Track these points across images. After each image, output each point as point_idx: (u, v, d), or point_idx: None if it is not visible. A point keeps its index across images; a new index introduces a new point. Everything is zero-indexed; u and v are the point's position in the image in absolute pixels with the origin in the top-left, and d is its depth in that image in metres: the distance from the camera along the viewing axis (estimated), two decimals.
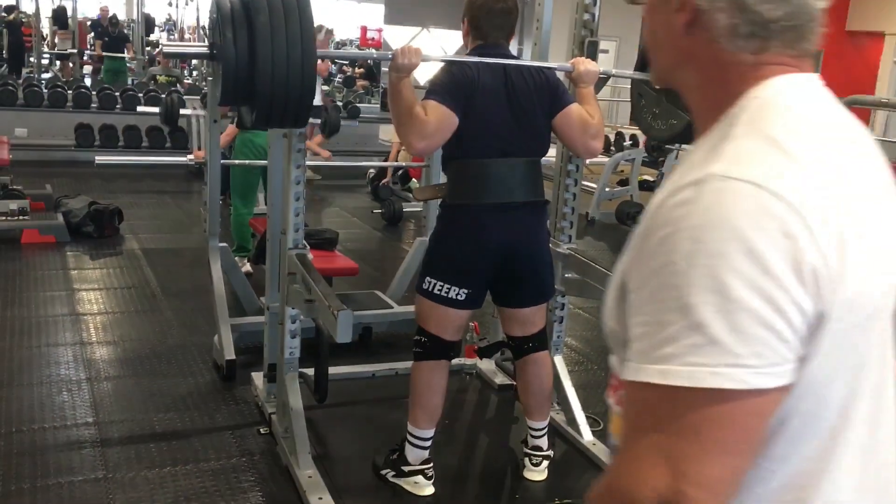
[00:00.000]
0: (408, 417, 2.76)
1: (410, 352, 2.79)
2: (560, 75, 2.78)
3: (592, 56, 3.04)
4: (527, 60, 2.77)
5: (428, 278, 2.67)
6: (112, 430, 3.11)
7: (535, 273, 2.75)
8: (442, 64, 2.63)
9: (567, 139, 2.71)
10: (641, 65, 2.95)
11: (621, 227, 7.56)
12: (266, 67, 2.13)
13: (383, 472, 2.82)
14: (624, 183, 8.53)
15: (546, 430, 2.93)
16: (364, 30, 13.10)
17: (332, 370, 3.51)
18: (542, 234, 2.76)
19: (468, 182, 2.62)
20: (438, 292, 2.65)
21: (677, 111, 2.81)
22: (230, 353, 3.62)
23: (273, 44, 2.13)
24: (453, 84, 2.52)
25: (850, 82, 17.43)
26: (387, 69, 2.56)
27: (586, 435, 3.18)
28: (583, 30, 3.11)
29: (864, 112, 17.28)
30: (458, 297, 2.64)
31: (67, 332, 4.09)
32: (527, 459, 2.92)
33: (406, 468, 2.76)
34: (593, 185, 8.14)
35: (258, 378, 3.40)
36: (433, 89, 2.52)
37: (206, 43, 2.28)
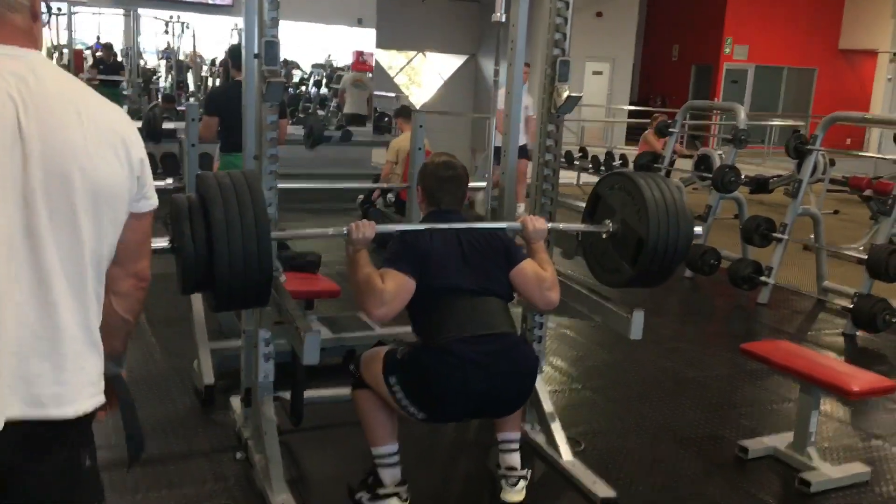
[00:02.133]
0: (368, 442, 2.75)
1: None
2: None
3: (563, 75, 3.05)
4: (477, 223, 2.90)
5: (395, 379, 2.55)
6: None
7: (516, 407, 2.77)
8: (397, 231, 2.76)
9: (524, 293, 2.76)
10: (591, 214, 2.98)
11: None
12: (223, 260, 2.22)
13: (358, 495, 2.79)
14: None
15: (517, 444, 2.91)
16: (357, 54, 13.16)
17: (313, 393, 3.50)
18: (532, 364, 2.68)
19: (442, 320, 2.57)
20: (399, 400, 2.56)
21: (622, 263, 2.83)
22: (209, 378, 3.60)
23: (229, 236, 2.21)
24: (406, 250, 2.61)
25: (845, 99, 17.53)
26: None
27: (566, 455, 3.15)
28: (554, 49, 3.12)
29: (859, 130, 17.33)
30: (417, 415, 2.58)
31: None
32: (503, 481, 2.88)
33: (381, 491, 2.73)
34: (583, 205, 8.12)
35: (236, 402, 3.38)
36: (389, 258, 2.59)
37: (168, 238, 2.36)
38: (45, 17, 11.65)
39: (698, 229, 2.87)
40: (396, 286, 2.52)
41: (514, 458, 2.88)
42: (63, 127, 1.36)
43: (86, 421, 1.46)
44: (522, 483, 2.87)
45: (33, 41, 1.44)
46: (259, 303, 2.47)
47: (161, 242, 2.30)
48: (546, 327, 3.38)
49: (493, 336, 2.57)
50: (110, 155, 1.42)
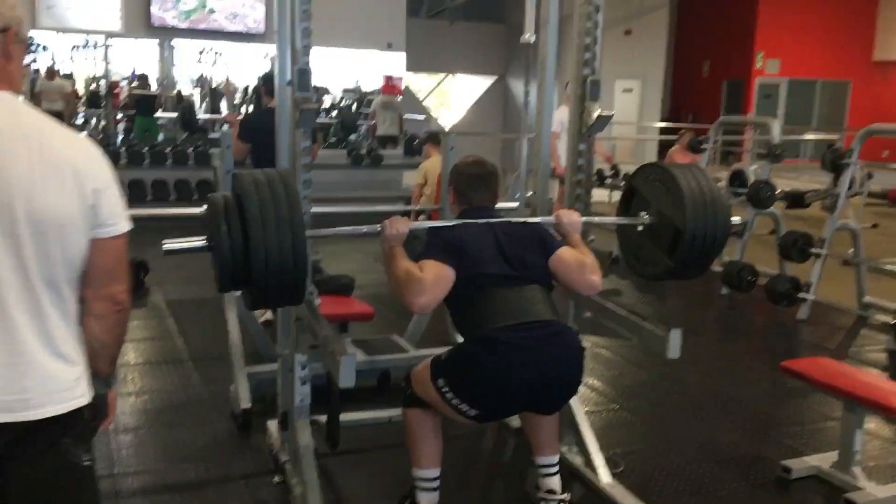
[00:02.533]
0: (411, 461, 2.74)
1: None
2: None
3: (594, 94, 3.05)
4: (511, 218, 2.85)
5: (442, 380, 2.54)
6: (127, 483, 3.11)
7: (568, 398, 2.74)
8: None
9: (565, 278, 2.70)
10: (626, 207, 2.96)
11: None
12: (259, 256, 2.25)
13: None
14: None
15: (557, 467, 2.86)
16: (387, 78, 13.29)
17: (349, 416, 3.50)
18: (579, 354, 2.60)
19: (484, 311, 2.52)
20: (450, 400, 2.53)
21: (660, 254, 2.80)
22: (246, 402, 3.62)
23: (264, 231, 2.25)
24: (442, 242, 2.60)
25: (881, 111, 17.27)
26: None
27: (604, 477, 3.10)
28: (585, 69, 3.12)
29: (895, 142, 17.07)
30: (469, 413, 2.54)
31: None
32: None
33: None
34: None
35: (273, 426, 3.39)
36: (425, 252, 2.58)
37: (204, 237, 2.38)
38: (35, 53, 11.92)
39: (736, 219, 2.82)
40: (435, 275, 2.50)
41: (555, 482, 2.85)
42: (9, 160, 1.51)
43: (70, 422, 1.61)
44: None
45: (6, 80, 1.57)
46: (294, 299, 2.45)
47: (198, 242, 2.36)
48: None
49: (536, 323, 2.50)
50: (55, 186, 1.54)
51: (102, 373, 1.73)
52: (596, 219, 3.01)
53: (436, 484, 2.72)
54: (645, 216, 2.85)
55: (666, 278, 2.84)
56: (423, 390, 2.64)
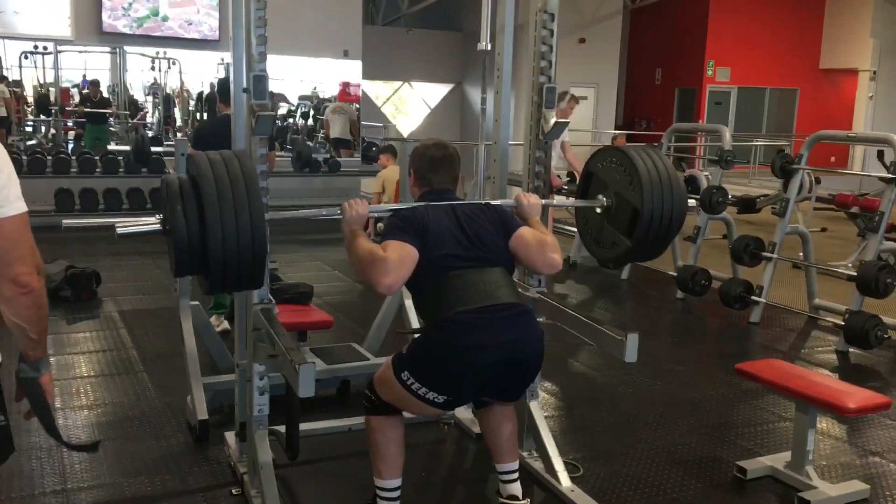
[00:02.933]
0: (373, 471, 2.73)
1: None
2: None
3: (550, 102, 3.09)
4: (471, 201, 2.84)
5: (407, 373, 2.55)
6: (80, 498, 3.04)
7: (529, 379, 2.71)
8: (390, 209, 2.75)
9: (526, 258, 2.71)
10: (584, 191, 3.00)
11: (603, 269, 7.57)
12: (216, 237, 2.21)
13: None
14: None
15: (517, 473, 2.88)
16: (344, 85, 13.25)
17: (309, 426, 3.48)
18: (538, 333, 2.62)
19: (447, 294, 2.53)
20: (416, 390, 2.54)
21: (619, 235, 2.86)
22: (203, 414, 3.56)
23: (222, 213, 2.21)
24: (405, 222, 2.60)
25: (827, 118, 17.71)
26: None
27: (564, 481, 3.13)
28: (541, 76, 3.15)
29: (842, 148, 17.49)
30: (437, 400, 2.55)
31: None
32: None
33: None
34: (574, 229, 8.16)
35: (231, 437, 3.35)
36: (387, 232, 2.58)
37: (158, 218, 2.36)
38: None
39: (692, 201, 2.88)
40: (399, 254, 2.49)
41: (515, 487, 2.86)
42: None
43: None
44: None
45: None
46: (253, 282, 2.41)
47: (152, 224, 2.33)
48: None
49: (499, 306, 2.52)
50: None
51: (28, 357, 1.79)
52: (555, 201, 3.02)
53: (397, 494, 2.72)
54: (603, 199, 2.89)
55: (627, 260, 2.91)
56: (388, 391, 2.63)
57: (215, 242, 2.21)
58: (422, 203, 2.71)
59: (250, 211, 2.24)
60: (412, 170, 2.84)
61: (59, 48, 12.44)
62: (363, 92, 13.83)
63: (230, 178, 2.25)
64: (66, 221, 4.20)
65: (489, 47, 3.33)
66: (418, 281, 2.56)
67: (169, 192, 2.27)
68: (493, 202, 2.83)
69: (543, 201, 2.90)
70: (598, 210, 2.91)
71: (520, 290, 3.25)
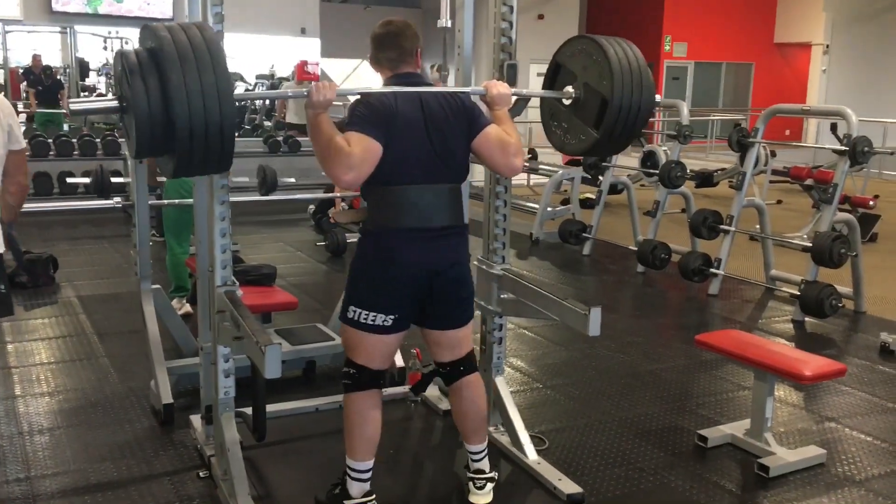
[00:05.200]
0: (346, 451, 2.74)
1: None
2: (476, 99, 2.81)
3: (511, 79, 3.08)
4: (441, 87, 2.79)
5: (352, 307, 2.67)
6: (44, 485, 3.01)
7: (459, 294, 2.76)
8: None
9: (488, 160, 2.73)
10: (550, 83, 3.00)
11: (565, 245, 7.63)
12: (183, 115, 2.09)
13: None
14: (566, 202, 8.61)
15: (486, 451, 2.91)
16: (302, 63, 13.10)
17: (275, 407, 3.48)
18: (463, 256, 2.76)
19: (388, 208, 2.62)
20: (364, 321, 2.65)
21: (586, 128, 2.86)
22: (167, 397, 3.54)
23: (188, 89, 2.09)
24: (373, 114, 2.54)
25: (782, 92, 17.97)
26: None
27: (531, 454, 3.18)
28: (501, 53, 3.15)
29: (797, 121, 17.78)
30: (385, 324, 2.64)
31: None
32: (471, 483, 2.90)
33: (347, 502, 2.73)
34: (536, 206, 8.21)
35: (196, 421, 3.33)
36: (353, 121, 2.53)
37: (114, 96, 2.24)
38: None
39: (658, 97, 2.88)
40: (364, 149, 2.46)
41: (484, 464, 2.91)
42: None
43: None
44: (490, 486, 2.89)
45: None
46: (220, 167, 2.33)
47: (108, 102, 2.23)
48: (505, 328, 3.40)
49: (429, 229, 2.62)
50: None
51: (12, 220, 3.34)
52: (524, 91, 2.94)
53: (368, 476, 2.74)
54: (571, 90, 2.86)
55: (592, 152, 2.87)
56: (351, 346, 2.72)
57: (180, 107, 2.09)
58: (390, 88, 2.63)
59: (215, 73, 2.12)
60: (370, 57, 2.79)
61: (7, 28, 12.11)
62: (322, 70, 13.68)
63: (190, 42, 2.12)
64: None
65: (449, 24, 3.31)
66: (371, 188, 2.61)
67: (126, 63, 2.13)
68: (460, 90, 2.79)
69: (514, 90, 2.84)
70: (567, 102, 2.87)
71: (484, 267, 3.28)
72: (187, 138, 2.13)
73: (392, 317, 2.64)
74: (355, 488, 2.72)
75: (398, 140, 2.55)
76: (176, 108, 2.09)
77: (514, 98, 2.86)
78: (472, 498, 2.89)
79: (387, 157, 2.53)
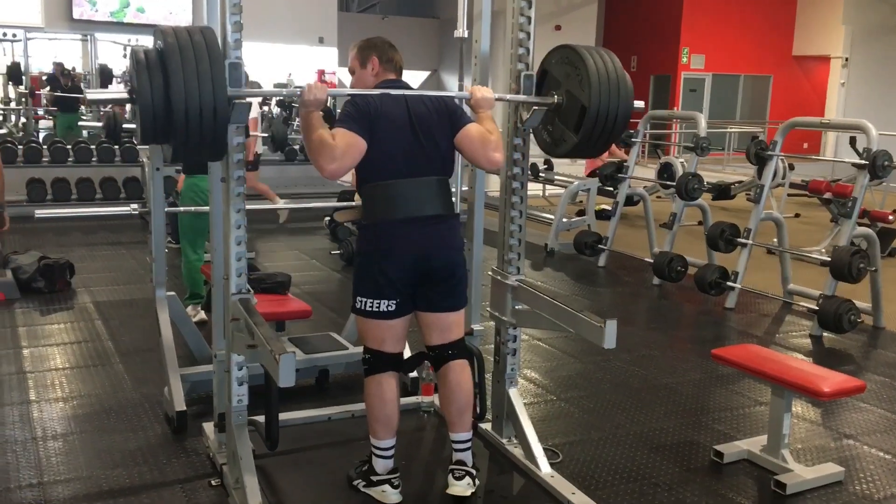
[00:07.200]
0: (368, 431, 2.94)
1: None
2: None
3: (528, 89, 3.08)
4: (426, 91, 2.97)
5: (358, 297, 2.87)
6: (57, 491, 3.01)
7: (451, 277, 2.91)
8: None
9: (469, 154, 2.89)
10: (538, 89, 3.12)
11: (580, 256, 7.60)
12: (179, 104, 2.35)
13: (355, 482, 3.01)
14: (581, 213, 8.59)
15: (470, 442, 2.99)
16: (320, 73, 13.17)
17: (288, 415, 3.47)
18: (454, 241, 2.93)
19: (380, 202, 2.81)
20: (370, 308, 2.84)
21: (567, 132, 3.01)
22: (180, 405, 3.54)
23: (185, 82, 2.34)
24: (357, 112, 2.74)
25: (800, 105, 17.87)
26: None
27: (544, 467, 3.15)
28: (518, 63, 3.14)
29: (815, 134, 17.67)
30: (389, 309, 2.84)
31: (13, 391, 3.99)
32: (450, 475, 2.95)
33: (374, 478, 2.93)
34: (551, 217, 8.19)
35: (209, 428, 3.33)
36: (340, 118, 2.74)
37: (126, 89, 2.48)
38: None
39: (639, 103, 3.05)
40: (346, 143, 2.65)
41: (464, 455, 2.98)
42: None
43: None
44: (468, 478, 2.93)
45: None
46: (214, 154, 2.60)
47: (121, 93, 2.57)
48: (520, 339, 3.38)
49: (421, 218, 2.80)
50: None
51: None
52: (508, 96, 3.12)
53: (391, 452, 2.91)
54: (555, 96, 3.03)
55: (573, 154, 3.07)
56: (362, 331, 2.93)
57: (178, 112, 2.34)
58: (379, 91, 2.82)
59: (213, 84, 2.36)
60: (351, 65, 3.01)
61: (29, 35, 12.25)
62: (339, 80, 13.75)
63: (191, 38, 2.39)
64: (39, 212, 4.17)
65: (466, 34, 3.33)
66: (363, 172, 2.80)
67: (136, 59, 2.42)
68: (444, 93, 2.98)
69: (497, 95, 2.98)
70: (550, 107, 3.05)
71: (498, 276, 3.27)
72: (183, 121, 2.38)
73: (394, 301, 2.83)
74: (380, 465, 2.92)
75: (382, 136, 2.74)
76: (173, 91, 2.35)
77: (496, 101, 2.99)
78: (450, 489, 2.94)
79: (373, 152, 2.72)
